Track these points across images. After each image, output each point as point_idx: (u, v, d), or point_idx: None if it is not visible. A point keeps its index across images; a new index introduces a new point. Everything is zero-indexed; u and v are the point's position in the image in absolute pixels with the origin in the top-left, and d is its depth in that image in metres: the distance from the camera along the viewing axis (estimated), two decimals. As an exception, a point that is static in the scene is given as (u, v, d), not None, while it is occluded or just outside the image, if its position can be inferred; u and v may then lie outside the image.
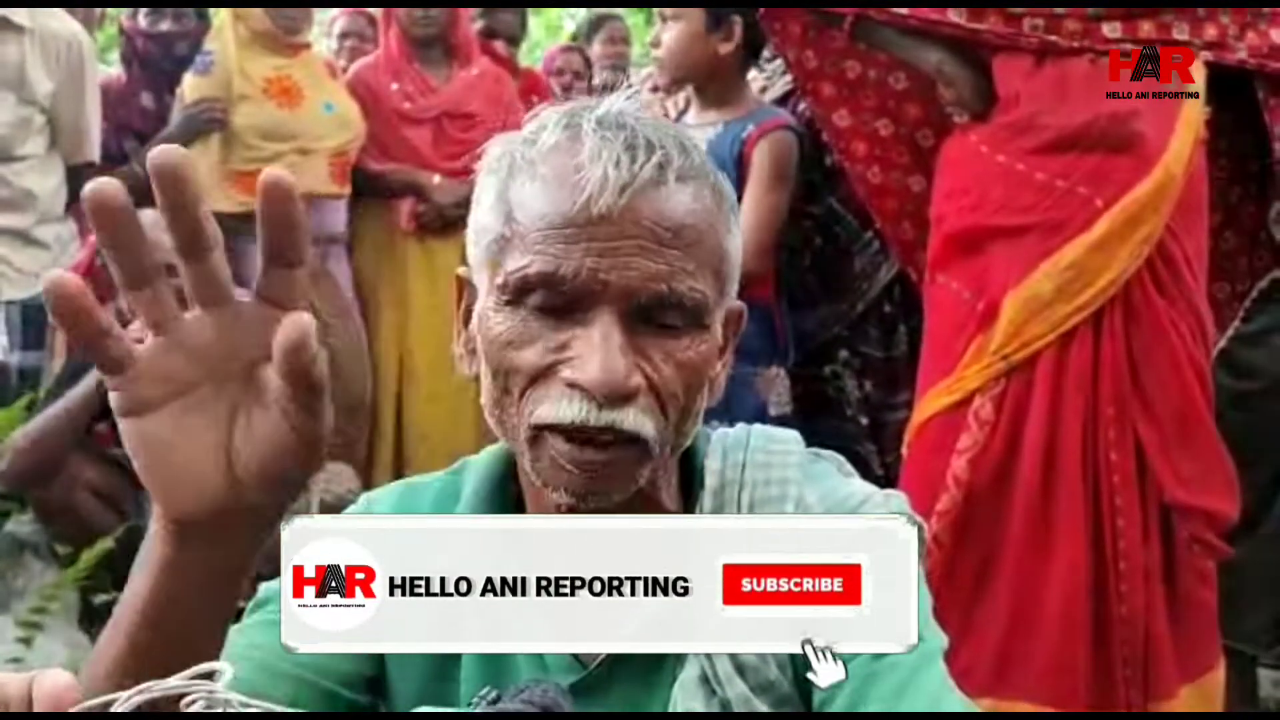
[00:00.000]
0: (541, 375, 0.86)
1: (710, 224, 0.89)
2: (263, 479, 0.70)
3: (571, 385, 0.84)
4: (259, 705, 0.52)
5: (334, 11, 4.42)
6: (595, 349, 0.84)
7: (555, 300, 0.86)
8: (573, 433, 0.85)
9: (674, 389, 0.87)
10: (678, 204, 0.87)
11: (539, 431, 0.86)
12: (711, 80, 2.73)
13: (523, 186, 0.88)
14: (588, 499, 0.87)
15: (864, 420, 2.72)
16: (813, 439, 2.78)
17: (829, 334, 2.76)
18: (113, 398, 0.69)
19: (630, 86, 0.93)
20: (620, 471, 0.86)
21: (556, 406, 0.85)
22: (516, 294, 0.87)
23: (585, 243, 0.84)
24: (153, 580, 0.72)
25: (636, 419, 0.85)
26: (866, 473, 2.24)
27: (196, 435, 0.70)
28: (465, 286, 0.95)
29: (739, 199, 2.57)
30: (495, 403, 0.90)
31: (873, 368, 2.75)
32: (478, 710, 0.85)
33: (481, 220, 0.91)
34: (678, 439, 0.90)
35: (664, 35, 2.66)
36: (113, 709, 0.50)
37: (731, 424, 1.04)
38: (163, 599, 0.72)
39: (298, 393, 0.67)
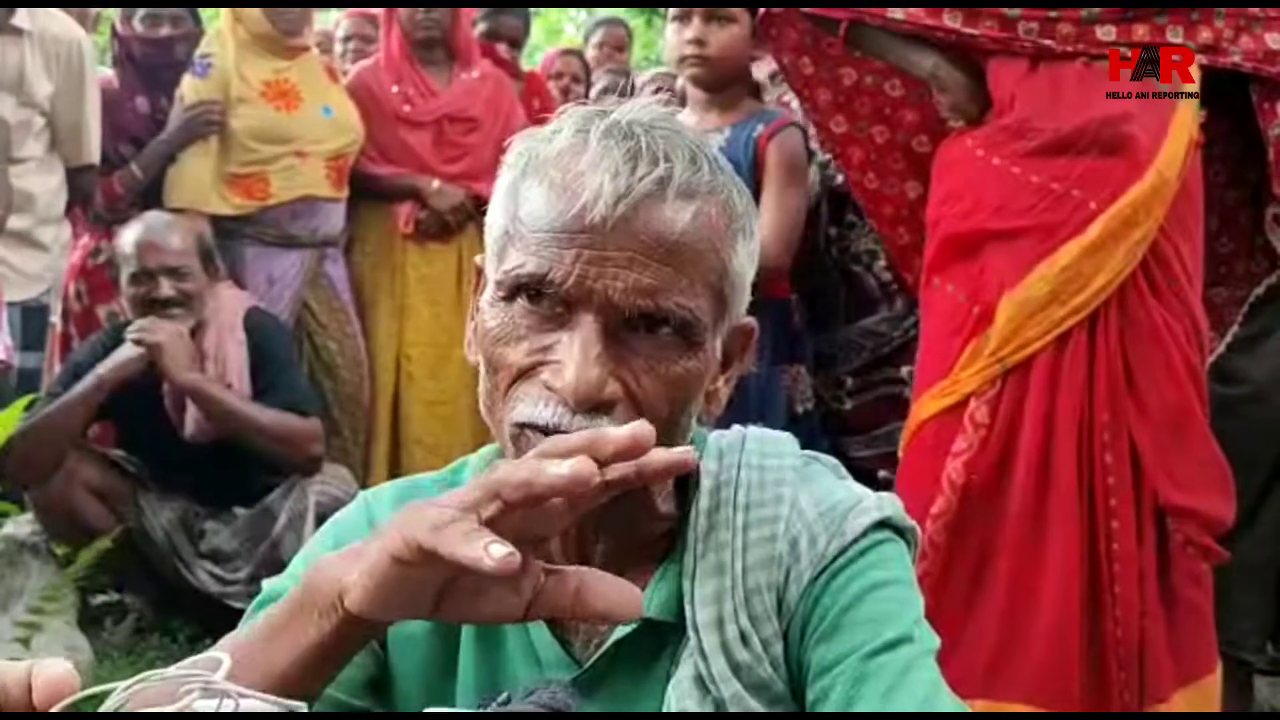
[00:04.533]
0: (524, 374, 0.87)
1: (711, 243, 0.89)
2: (453, 620, 0.80)
3: (549, 389, 0.86)
4: (255, 695, 0.53)
5: (338, 16, 4.43)
6: (574, 356, 0.85)
7: (545, 302, 0.87)
8: (550, 431, 0.85)
9: (655, 403, 0.87)
10: (675, 220, 0.87)
11: (520, 429, 0.87)
12: (736, 83, 2.76)
13: (531, 186, 0.90)
14: None
15: None
16: (887, 441, 2.75)
17: (906, 336, 2.76)
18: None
19: (649, 92, 0.93)
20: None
21: (534, 407, 0.86)
22: (510, 292, 0.88)
23: (578, 249, 0.85)
24: (304, 655, 0.80)
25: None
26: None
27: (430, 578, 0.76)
28: (481, 274, 0.96)
29: (756, 199, 2.61)
30: (487, 394, 0.91)
31: None
32: (488, 711, 0.85)
33: (493, 213, 0.93)
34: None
35: (712, 37, 2.65)
36: (112, 697, 0.51)
37: (767, 425, 1.04)
38: (304, 674, 0.80)
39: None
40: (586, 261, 0.85)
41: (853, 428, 2.82)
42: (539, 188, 0.89)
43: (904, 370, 2.77)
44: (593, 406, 0.85)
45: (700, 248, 0.88)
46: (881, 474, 2.68)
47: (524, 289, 0.87)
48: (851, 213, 2.80)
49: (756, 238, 0.95)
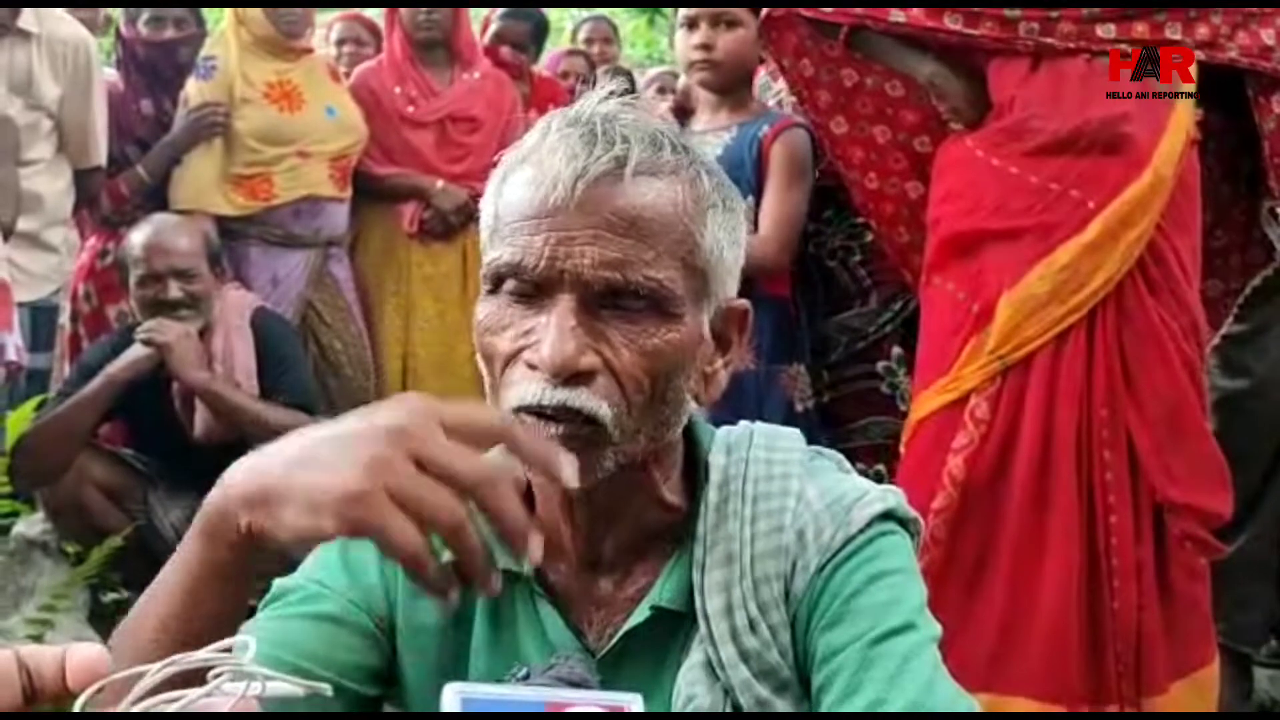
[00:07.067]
0: (511, 360, 0.91)
1: (677, 217, 0.91)
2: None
3: (530, 367, 0.89)
4: (282, 677, 0.55)
5: (332, 16, 4.44)
6: (550, 333, 0.88)
7: (524, 288, 0.91)
8: (538, 411, 0.88)
9: (635, 374, 0.90)
10: (635, 196, 0.90)
11: (515, 414, 0.90)
12: (744, 84, 2.78)
13: (506, 184, 0.94)
14: None
15: None
16: (864, 435, 2.75)
17: (881, 331, 2.78)
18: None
19: (621, 87, 0.96)
20: (579, 449, 0.87)
21: (520, 388, 0.89)
22: (494, 283, 0.92)
23: (546, 232, 0.89)
24: (194, 574, 0.80)
25: (589, 399, 0.88)
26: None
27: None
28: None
29: (759, 198, 2.63)
30: (490, 388, 0.94)
31: None
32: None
33: (482, 218, 0.97)
34: (655, 428, 0.93)
35: (719, 41, 2.69)
36: (143, 680, 0.53)
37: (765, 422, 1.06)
38: (202, 590, 0.79)
39: None
40: (555, 243, 0.89)
41: (829, 421, 2.83)
42: (511, 184, 0.93)
43: (879, 365, 2.78)
44: (571, 377, 0.87)
45: (664, 221, 0.91)
46: (857, 466, 2.68)
47: (504, 279, 0.91)
48: (830, 209, 2.80)
49: (737, 216, 0.97)
